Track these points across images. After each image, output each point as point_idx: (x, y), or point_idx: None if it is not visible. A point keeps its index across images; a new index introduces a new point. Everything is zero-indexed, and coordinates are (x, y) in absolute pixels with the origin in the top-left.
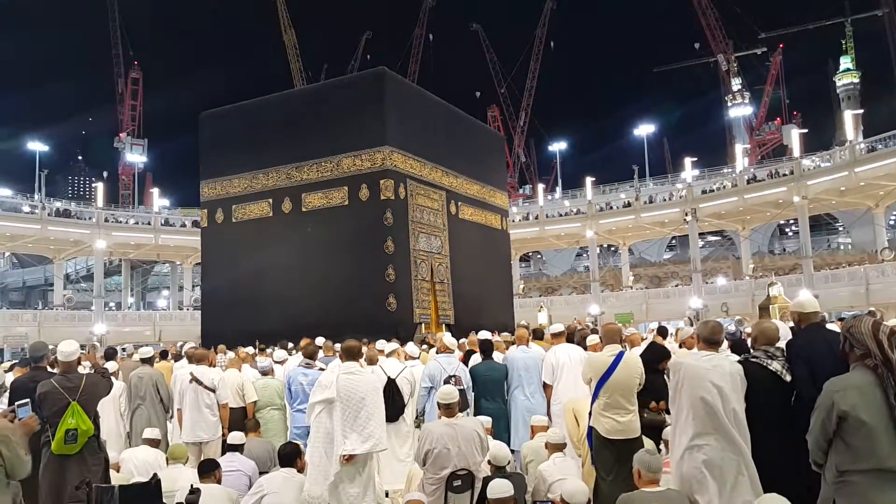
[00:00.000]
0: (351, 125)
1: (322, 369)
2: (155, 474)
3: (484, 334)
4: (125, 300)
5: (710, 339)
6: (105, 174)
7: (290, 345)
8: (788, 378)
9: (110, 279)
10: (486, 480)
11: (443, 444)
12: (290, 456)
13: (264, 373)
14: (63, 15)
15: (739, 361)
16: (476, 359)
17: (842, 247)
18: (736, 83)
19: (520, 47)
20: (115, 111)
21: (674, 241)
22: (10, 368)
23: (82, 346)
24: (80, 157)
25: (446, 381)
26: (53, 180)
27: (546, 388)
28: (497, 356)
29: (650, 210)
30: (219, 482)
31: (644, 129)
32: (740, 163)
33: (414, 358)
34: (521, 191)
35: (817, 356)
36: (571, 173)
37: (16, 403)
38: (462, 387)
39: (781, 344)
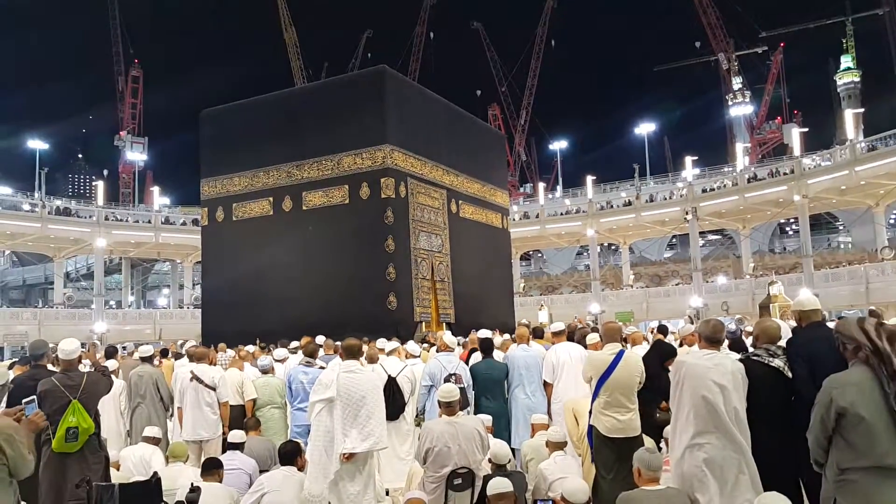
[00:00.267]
0: (351, 123)
1: (322, 368)
2: (155, 472)
3: (484, 333)
4: (125, 299)
5: (711, 338)
6: (105, 172)
7: (295, 343)
8: (790, 375)
9: (110, 277)
10: (487, 479)
11: (443, 442)
12: (291, 454)
13: (264, 371)
14: (63, 13)
15: (741, 360)
16: (477, 357)
17: (842, 246)
18: (737, 82)
19: (521, 46)
20: (115, 109)
21: (674, 240)
22: (11, 367)
23: (82, 345)
24: (80, 156)
25: (446, 380)
26: (53, 178)
27: (546, 386)
28: (498, 355)
29: (651, 209)
30: (220, 481)
31: (645, 128)
32: (741, 162)
33: (415, 356)
34: (521, 189)
35: (817, 354)
36: (572, 172)
37: (23, 401)
38: (462, 385)
39: (783, 342)
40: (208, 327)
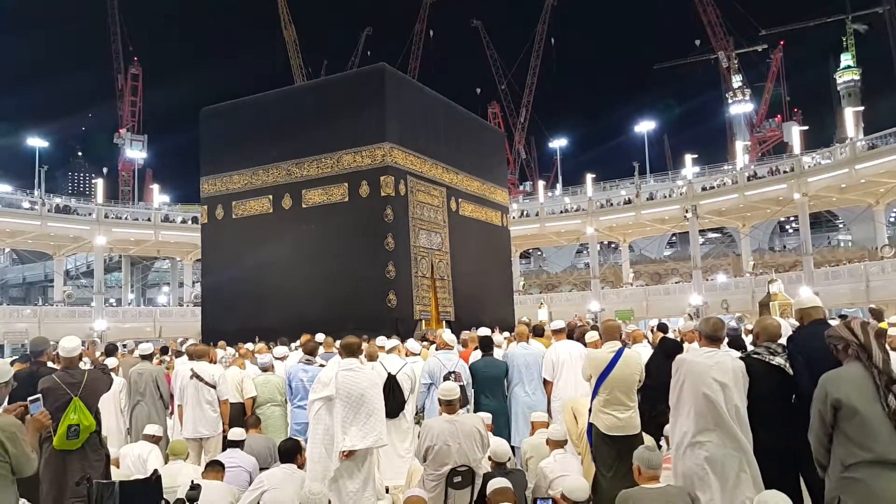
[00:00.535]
0: (351, 121)
1: (322, 366)
2: (156, 470)
3: (483, 331)
4: (125, 296)
5: (711, 336)
6: (105, 170)
7: (294, 345)
8: (791, 372)
9: (110, 275)
10: (487, 477)
11: (443, 440)
12: (291, 452)
13: (264, 369)
14: (62, 11)
15: (742, 357)
16: (476, 355)
17: (842, 244)
18: (737, 80)
19: (520, 44)
20: (114, 107)
21: (674, 238)
22: (11, 364)
23: (82, 343)
24: (79, 154)
25: (446, 378)
26: (53, 176)
27: (546, 384)
28: (497, 353)
29: (650, 207)
30: (221, 480)
31: (644, 126)
32: (741, 160)
33: (415, 354)
34: (521, 187)
35: (816, 351)
36: (572, 170)
37: (28, 399)
38: (462, 383)
39: (783, 340)
40: (208, 325)
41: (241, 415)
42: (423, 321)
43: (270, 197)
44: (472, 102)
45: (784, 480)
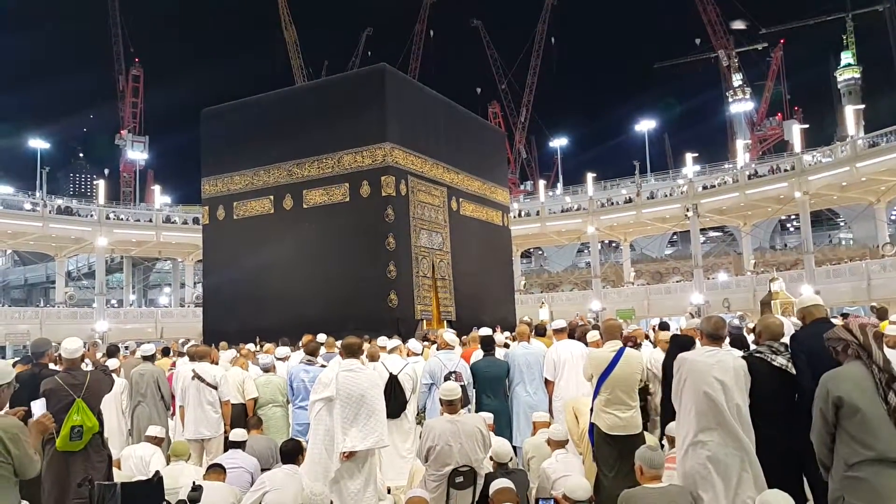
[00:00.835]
0: (352, 122)
1: (324, 366)
2: (157, 472)
3: (485, 331)
4: (127, 297)
5: (713, 335)
6: (106, 171)
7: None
8: (794, 372)
9: (112, 276)
10: (489, 477)
11: (445, 440)
12: (292, 453)
13: (266, 369)
14: (63, 12)
15: (744, 356)
16: (477, 355)
17: (843, 242)
18: (737, 79)
19: (521, 43)
20: (116, 108)
21: (675, 237)
22: (13, 366)
23: (83, 344)
24: (81, 155)
25: (447, 378)
26: (55, 178)
27: (548, 384)
28: (498, 352)
29: (651, 206)
30: (223, 481)
31: (645, 125)
32: (741, 158)
33: (416, 354)
34: (522, 187)
35: (819, 351)
36: (572, 169)
37: (32, 403)
38: (462, 383)
39: (786, 339)
40: (210, 326)
41: (242, 416)
42: (425, 321)
43: (271, 197)
44: (473, 102)
45: (787, 480)
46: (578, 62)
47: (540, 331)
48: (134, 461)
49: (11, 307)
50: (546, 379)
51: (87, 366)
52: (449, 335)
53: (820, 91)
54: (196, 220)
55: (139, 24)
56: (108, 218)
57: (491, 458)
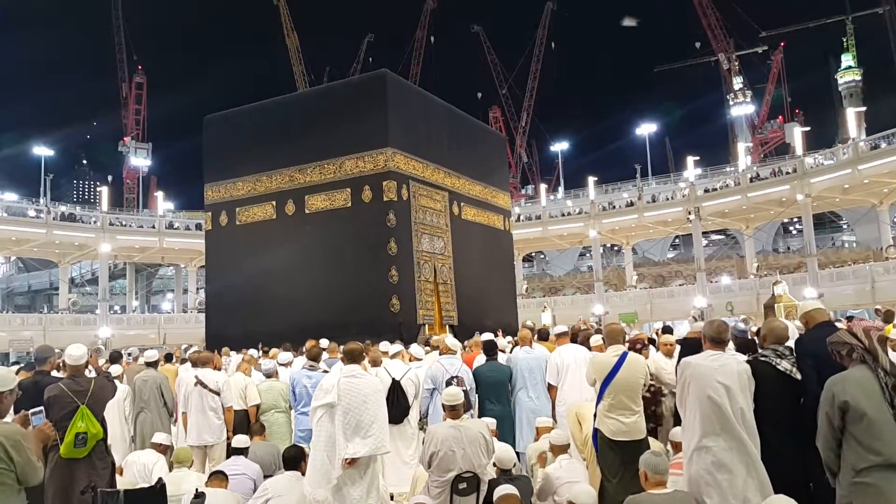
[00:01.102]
0: (353, 127)
1: (326, 371)
2: (160, 479)
3: (487, 335)
4: (130, 303)
5: (716, 339)
6: (109, 178)
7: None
8: (798, 376)
9: (115, 282)
10: (492, 483)
11: (448, 446)
12: (295, 459)
13: (268, 375)
14: (67, 20)
15: (748, 361)
16: (480, 360)
17: (846, 244)
18: (737, 82)
19: (521, 48)
20: (119, 115)
21: (677, 241)
22: (16, 373)
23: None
24: (84, 162)
25: (448, 383)
26: (58, 184)
27: (550, 389)
28: (501, 357)
29: (653, 209)
30: (225, 488)
31: (646, 129)
32: (743, 161)
33: (419, 359)
34: (523, 191)
35: (825, 355)
36: (573, 173)
37: (30, 412)
38: (464, 388)
39: (791, 343)
40: (212, 331)
41: (245, 422)
42: (427, 325)
43: (274, 203)
44: (474, 107)
45: (792, 485)
46: (579, 66)
47: (542, 335)
48: (137, 468)
49: (15, 313)
50: (549, 384)
51: (90, 372)
52: (451, 340)
53: (821, 94)
54: (199, 226)
55: (142, 31)
56: (111, 224)
57: (494, 465)
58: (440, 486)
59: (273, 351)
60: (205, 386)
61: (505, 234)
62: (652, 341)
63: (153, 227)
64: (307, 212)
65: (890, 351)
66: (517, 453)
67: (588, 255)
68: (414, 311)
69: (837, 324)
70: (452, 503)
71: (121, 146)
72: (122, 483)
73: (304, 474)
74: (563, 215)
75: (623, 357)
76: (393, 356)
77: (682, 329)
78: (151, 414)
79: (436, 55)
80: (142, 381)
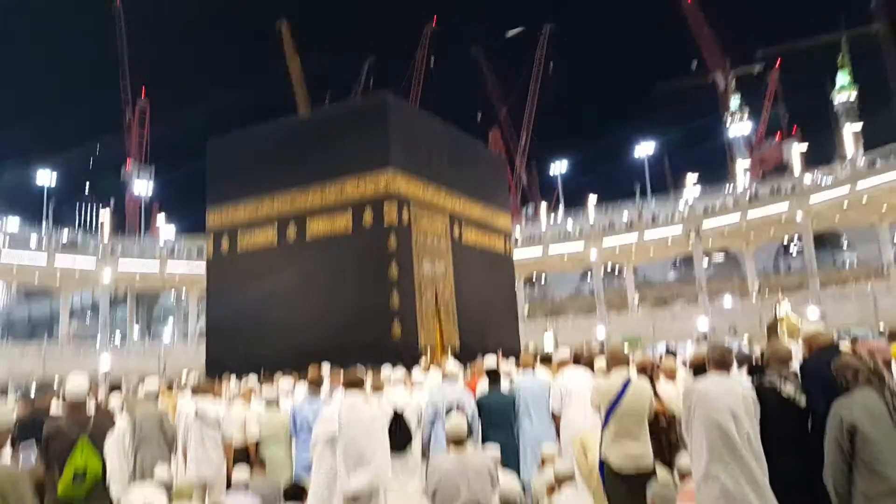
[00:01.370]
0: (355, 149)
1: (328, 400)
2: None
3: (489, 359)
4: (130, 331)
5: (720, 363)
6: (112, 202)
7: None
8: (803, 403)
9: (116, 310)
10: None
11: (451, 479)
12: (296, 494)
13: (269, 403)
14: (70, 44)
15: (753, 384)
16: (483, 386)
17: (847, 264)
18: (734, 100)
19: (519, 70)
20: (122, 140)
21: (678, 262)
22: (15, 402)
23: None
24: (86, 186)
25: (448, 410)
26: (60, 209)
27: (555, 416)
28: (503, 383)
29: (653, 228)
30: None
31: (644, 148)
32: (741, 180)
33: (421, 385)
34: (523, 211)
35: (830, 377)
36: (573, 192)
37: (20, 445)
38: (466, 415)
39: (795, 365)
40: (213, 357)
41: (244, 455)
42: (429, 350)
43: (275, 227)
44: (473, 128)
45: None
46: (577, 87)
47: (545, 359)
48: None
49: (15, 344)
50: (552, 411)
51: (90, 404)
52: (451, 365)
53: (818, 111)
54: (200, 252)
55: (145, 56)
56: (112, 251)
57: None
58: None
59: (274, 377)
60: (204, 419)
61: (506, 256)
62: (657, 367)
63: (155, 253)
64: (308, 236)
65: None
66: (522, 482)
67: (589, 277)
68: (415, 335)
69: (842, 343)
70: None
71: (123, 172)
72: None
73: None
74: (564, 236)
75: (627, 383)
76: (395, 382)
77: (687, 351)
78: (152, 448)
79: (436, 77)
80: (142, 413)
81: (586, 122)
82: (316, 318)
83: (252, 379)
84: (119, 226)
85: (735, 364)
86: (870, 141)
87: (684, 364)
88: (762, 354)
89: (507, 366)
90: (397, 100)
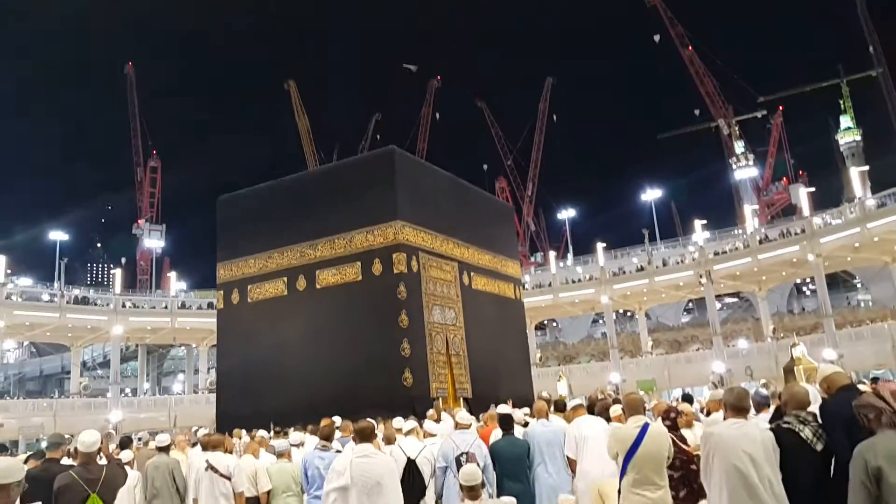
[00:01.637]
0: (363, 202)
1: (339, 451)
2: None
3: (502, 408)
4: (141, 385)
5: (737, 406)
6: (123, 260)
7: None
8: (820, 447)
9: (126, 364)
10: None
11: None
12: None
13: (280, 455)
14: (84, 107)
15: (772, 428)
16: (497, 434)
17: (862, 303)
18: (739, 146)
19: (524, 120)
20: (133, 198)
21: (691, 305)
22: (25, 461)
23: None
24: (98, 244)
25: (458, 459)
26: (73, 268)
27: (570, 462)
28: (517, 430)
29: (664, 273)
30: None
31: (651, 195)
32: (751, 224)
33: (433, 435)
34: (532, 258)
35: (852, 418)
36: (581, 238)
37: None
38: (478, 464)
39: (814, 408)
40: (223, 410)
41: None
42: (441, 399)
43: (285, 279)
44: (480, 178)
45: None
46: (581, 136)
47: (559, 406)
48: None
49: (25, 399)
50: (568, 457)
51: (101, 459)
52: (463, 414)
53: (823, 154)
54: (210, 305)
55: (154, 115)
56: (123, 306)
57: None
58: None
59: (258, 436)
60: (215, 470)
61: (516, 302)
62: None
63: (165, 307)
64: (318, 287)
65: None
66: None
67: (601, 321)
68: (427, 383)
69: (861, 386)
70: None
71: (135, 229)
72: None
73: None
74: (574, 282)
75: (645, 428)
76: (407, 433)
77: (703, 396)
78: (164, 500)
79: (442, 130)
80: (153, 466)
81: (592, 170)
82: (326, 367)
83: (262, 432)
84: (130, 283)
85: (753, 408)
86: (878, 182)
87: (702, 410)
88: (779, 397)
89: (520, 414)
90: (403, 153)
